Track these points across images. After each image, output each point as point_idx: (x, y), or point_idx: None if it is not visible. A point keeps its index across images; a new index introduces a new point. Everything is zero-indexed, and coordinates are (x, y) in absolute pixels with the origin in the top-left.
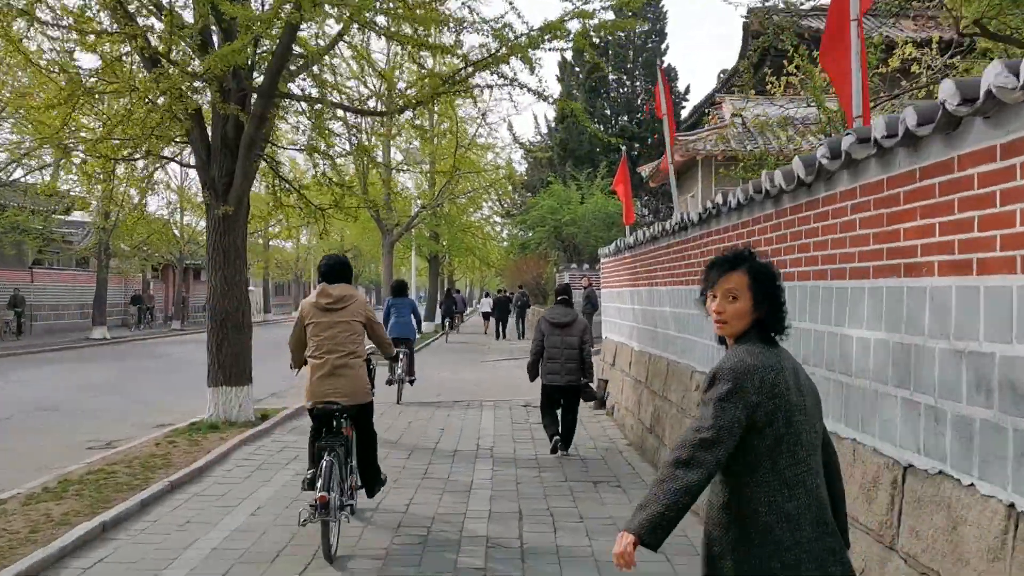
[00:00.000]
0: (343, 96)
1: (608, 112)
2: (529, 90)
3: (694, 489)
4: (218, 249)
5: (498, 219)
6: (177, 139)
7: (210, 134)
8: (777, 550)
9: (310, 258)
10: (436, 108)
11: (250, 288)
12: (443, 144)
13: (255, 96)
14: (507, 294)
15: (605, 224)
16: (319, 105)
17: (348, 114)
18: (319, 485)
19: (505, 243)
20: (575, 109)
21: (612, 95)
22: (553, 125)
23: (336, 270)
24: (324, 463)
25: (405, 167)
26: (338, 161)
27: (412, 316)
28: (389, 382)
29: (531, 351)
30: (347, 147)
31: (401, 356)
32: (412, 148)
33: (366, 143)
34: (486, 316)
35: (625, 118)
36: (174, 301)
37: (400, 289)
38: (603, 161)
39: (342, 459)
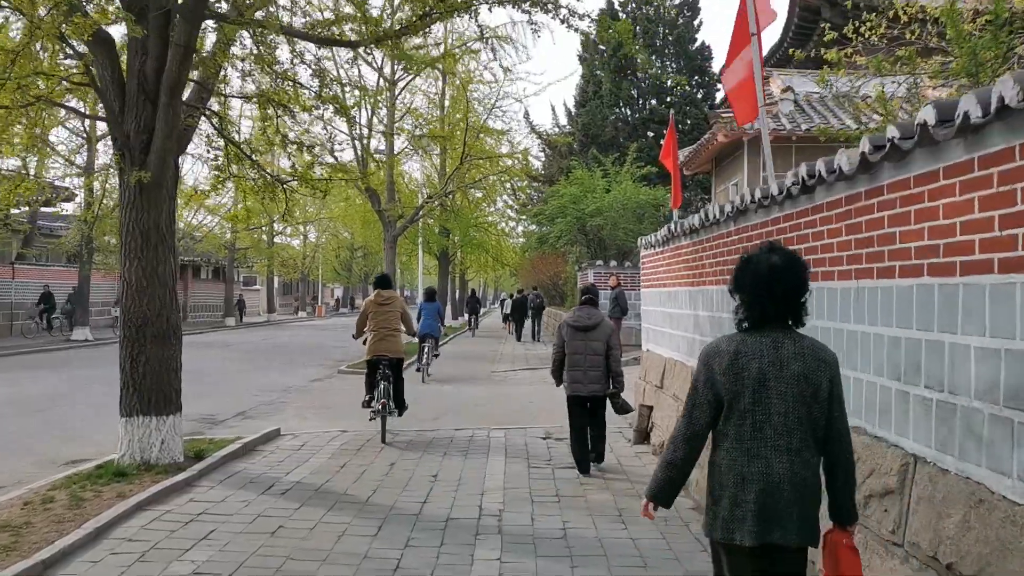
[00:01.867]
0: (300, 19)
1: (635, 94)
2: (554, 7)
3: (675, 459)
4: (134, 231)
5: (512, 213)
6: (73, 79)
7: (125, 76)
8: (730, 504)
9: (318, 256)
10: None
11: (255, 287)
12: (453, 123)
13: (178, 18)
14: (524, 295)
15: (635, 215)
16: (264, 30)
17: (310, 50)
18: (378, 396)
19: (521, 240)
20: (621, 32)
21: (640, 75)
22: (574, 110)
23: (386, 282)
24: (382, 386)
25: (409, 148)
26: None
27: (437, 317)
28: (418, 369)
29: (553, 356)
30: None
31: (426, 347)
32: (419, 133)
33: (340, 94)
34: (507, 319)
35: (653, 101)
36: None
37: (430, 296)
38: (631, 145)
39: (388, 389)
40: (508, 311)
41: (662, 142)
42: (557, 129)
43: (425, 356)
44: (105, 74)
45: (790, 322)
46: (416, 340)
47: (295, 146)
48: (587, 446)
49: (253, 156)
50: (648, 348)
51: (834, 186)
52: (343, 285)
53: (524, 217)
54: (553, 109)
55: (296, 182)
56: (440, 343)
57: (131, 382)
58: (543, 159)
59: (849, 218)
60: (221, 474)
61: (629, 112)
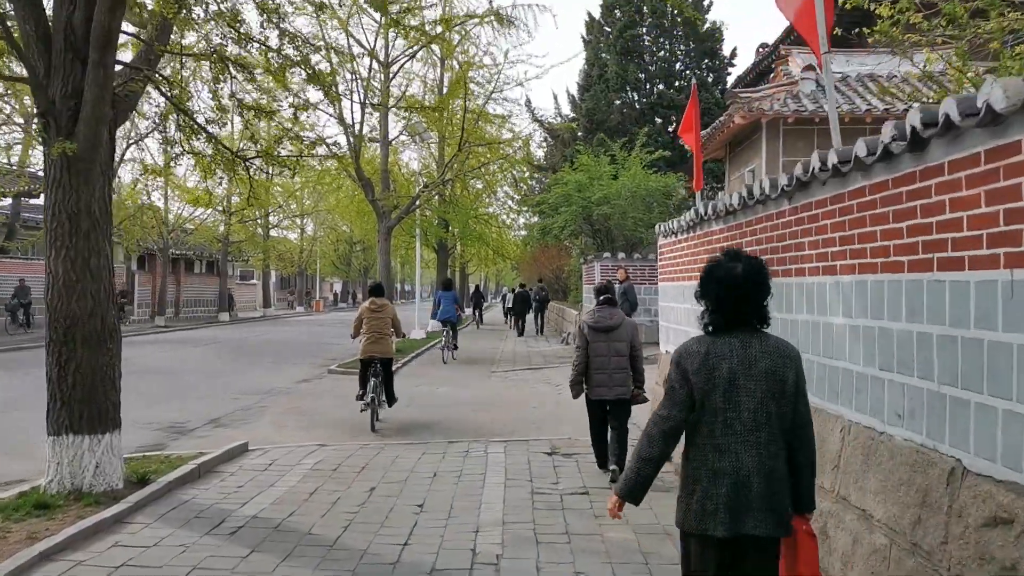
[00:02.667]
0: None
1: (642, 77)
2: None
3: (652, 455)
4: (59, 214)
5: (512, 204)
6: None
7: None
8: (701, 498)
9: (315, 250)
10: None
11: (252, 281)
12: (451, 112)
13: None
14: (526, 289)
15: (644, 204)
16: None
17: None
18: (369, 391)
19: (522, 232)
20: None
21: (648, 58)
22: (577, 95)
23: (379, 291)
24: (372, 382)
25: (405, 136)
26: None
27: (454, 304)
28: (442, 349)
29: (574, 363)
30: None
31: (447, 331)
32: (416, 122)
33: (329, 63)
34: (508, 313)
35: (662, 85)
36: (159, 296)
37: (447, 285)
38: (640, 130)
39: (379, 383)
40: (510, 305)
41: (671, 128)
42: (559, 118)
43: (445, 339)
44: (27, 28)
45: (757, 323)
46: (398, 340)
47: (252, 112)
48: (606, 443)
49: (209, 128)
50: (667, 350)
51: (964, 138)
52: (342, 279)
53: (526, 208)
54: (555, 97)
55: (260, 159)
56: (459, 328)
57: (59, 394)
58: (545, 148)
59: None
60: (165, 505)
61: (636, 96)
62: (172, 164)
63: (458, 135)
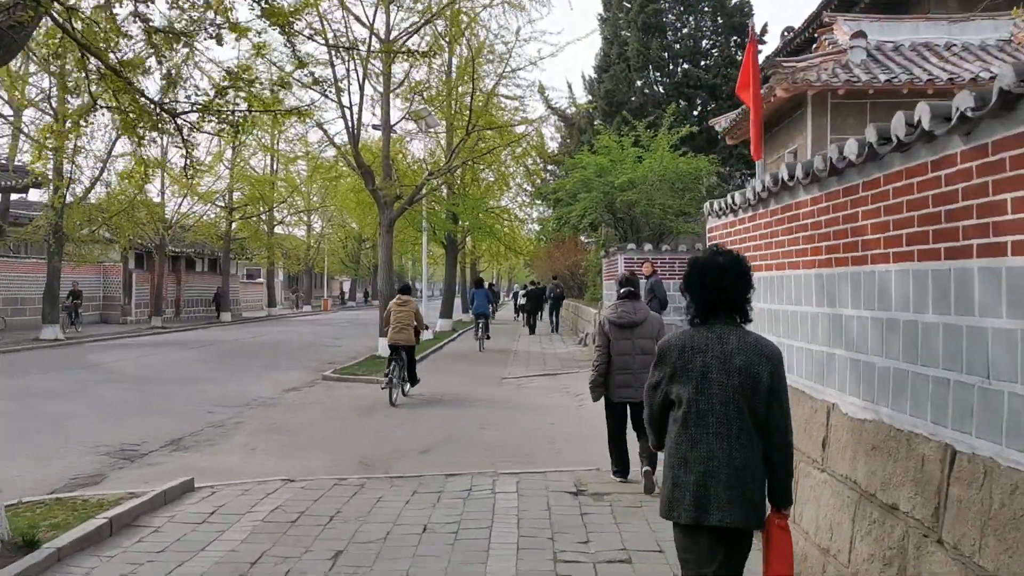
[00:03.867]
0: None
1: (666, 56)
2: None
3: (654, 428)
4: None
5: (525, 196)
6: None
7: None
8: (675, 485)
9: (323, 247)
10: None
11: (259, 280)
12: (459, 97)
13: None
14: (538, 286)
15: (674, 190)
16: None
17: None
18: (391, 373)
19: (536, 227)
20: None
21: (671, 35)
22: (595, 76)
23: (406, 289)
24: (394, 366)
25: (409, 119)
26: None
27: (486, 299)
28: (476, 338)
29: (595, 363)
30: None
31: (480, 323)
32: (421, 107)
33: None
34: (520, 310)
35: (687, 63)
36: (155, 295)
37: (479, 283)
38: (668, 107)
39: (402, 367)
40: (522, 302)
41: (696, 111)
42: (574, 108)
43: (479, 331)
44: None
45: (738, 318)
46: (427, 332)
47: (162, 37)
48: (626, 450)
49: (124, 72)
50: None
51: None
52: (351, 277)
53: (539, 202)
54: (570, 87)
55: (196, 114)
56: (490, 320)
57: None
58: (559, 139)
59: None
60: None
61: (659, 76)
62: (83, 118)
63: (467, 123)
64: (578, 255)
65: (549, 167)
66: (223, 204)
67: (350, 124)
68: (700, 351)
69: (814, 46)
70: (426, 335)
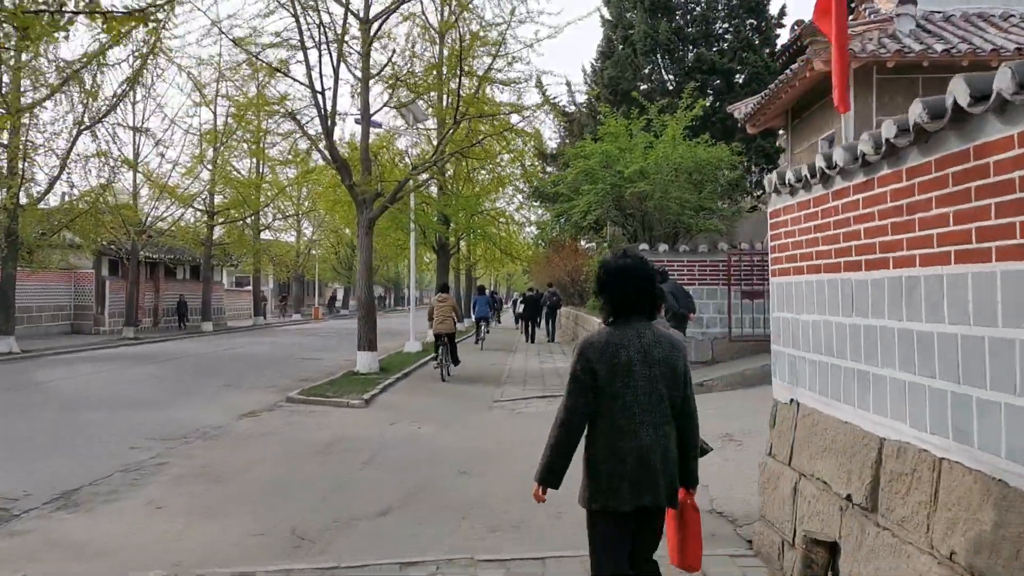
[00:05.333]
0: None
1: (675, 39)
2: None
3: (562, 441)
4: None
5: (522, 198)
6: None
7: None
8: (608, 477)
9: (313, 254)
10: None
11: (247, 288)
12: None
13: None
14: (536, 292)
15: (691, 181)
16: None
17: None
18: (440, 355)
19: (533, 230)
20: None
21: (681, 16)
22: (598, 63)
23: (445, 288)
24: (441, 350)
25: (391, 109)
26: None
27: (487, 305)
28: (476, 341)
29: None
30: None
31: (482, 326)
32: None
33: None
34: (519, 319)
35: (694, 49)
36: (128, 304)
37: (481, 290)
38: (686, 87)
39: (447, 351)
40: (520, 310)
41: (709, 101)
42: (574, 106)
43: (480, 332)
44: None
45: (646, 315)
46: (464, 322)
47: None
48: None
49: None
50: (799, 399)
51: None
52: (344, 284)
53: (536, 203)
54: (568, 84)
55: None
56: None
57: None
58: (557, 138)
59: None
60: None
61: (669, 61)
62: None
63: (455, 111)
64: (578, 260)
65: (548, 169)
66: (203, 208)
67: (323, 111)
68: (623, 346)
69: (851, 16)
70: (411, 346)
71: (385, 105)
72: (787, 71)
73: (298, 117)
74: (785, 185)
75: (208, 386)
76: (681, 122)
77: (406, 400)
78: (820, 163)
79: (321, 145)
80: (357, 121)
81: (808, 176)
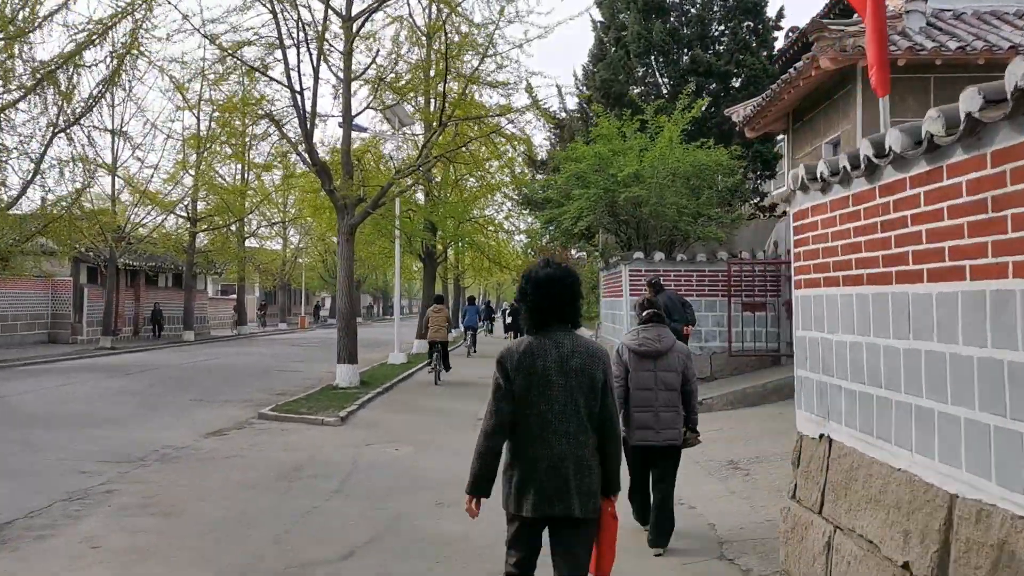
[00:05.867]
0: None
1: (671, 41)
2: None
3: (487, 450)
4: None
5: (511, 206)
6: None
7: None
8: (520, 482)
9: (301, 263)
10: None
11: (232, 296)
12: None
13: None
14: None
15: (688, 187)
16: None
17: None
18: (434, 361)
19: (523, 239)
20: None
21: (676, 17)
22: (590, 65)
23: (440, 299)
24: (435, 355)
25: (375, 112)
26: None
27: (476, 315)
28: (465, 347)
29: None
30: None
31: (467, 335)
32: (394, 104)
33: None
34: (508, 328)
35: (689, 51)
36: (106, 313)
37: (471, 300)
38: (685, 87)
39: (440, 357)
40: (509, 320)
41: (705, 106)
42: (565, 113)
43: (467, 339)
44: None
45: (569, 325)
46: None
47: None
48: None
49: None
50: (832, 435)
51: None
52: (331, 294)
53: (527, 210)
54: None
55: None
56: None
57: None
58: (548, 145)
59: None
60: None
61: (663, 63)
62: None
63: (440, 113)
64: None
65: (539, 176)
66: (185, 215)
67: (302, 112)
68: (540, 356)
69: (854, 15)
70: (395, 357)
71: (368, 107)
72: (791, 70)
73: (278, 119)
74: (816, 180)
75: (178, 401)
76: (679, 123)
77: (385, 417)
78: (867, 151)
79: (301, 148)
80: (341, 125)
81: (848, 168)
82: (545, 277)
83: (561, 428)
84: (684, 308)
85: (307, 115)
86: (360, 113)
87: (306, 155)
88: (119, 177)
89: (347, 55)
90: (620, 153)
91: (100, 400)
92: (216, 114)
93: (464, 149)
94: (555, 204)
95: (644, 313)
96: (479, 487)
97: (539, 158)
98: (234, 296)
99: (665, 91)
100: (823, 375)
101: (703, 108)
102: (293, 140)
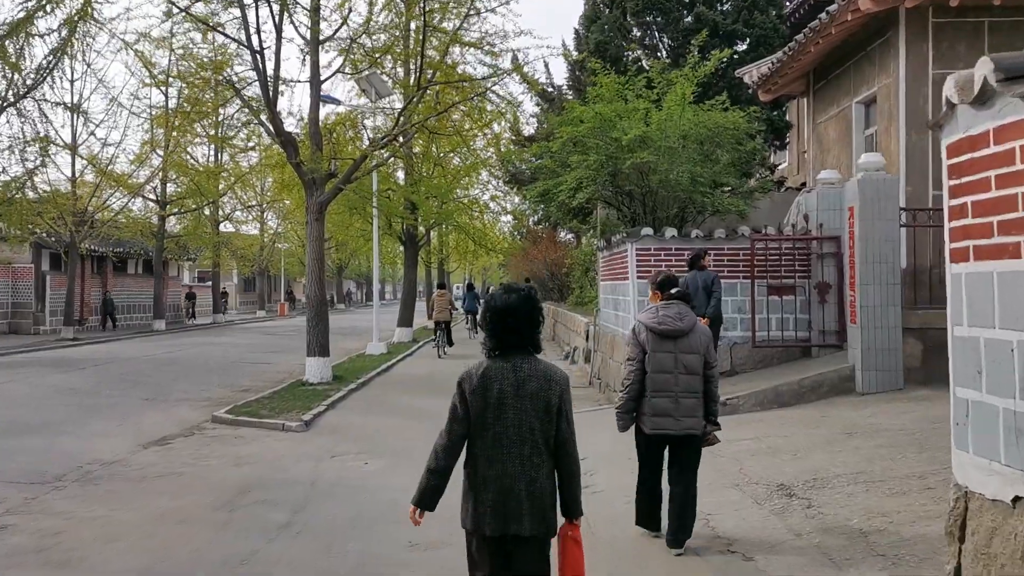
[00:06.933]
0: None
1: None
2: None
3: (437, 467)
4: None
5: (495, 185)
6: None
7: None
8: (475, 502)
9: (279, 248)
10: None
11: (209, 283)
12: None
13: None
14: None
15: (701, 153)
16: None
17: None
18: (438, 339)
19: (510, 219)
20: None
21: None
22: (582, 29)
23: (443, 285)
24: (439, 334)
25: (344, 73)
26: None
27: (476, 300)
28: (468, 329)
29: (625, 381)
30: None
31: (467, 318)
32: (370, 72)
33: None
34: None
35: (693, 8)
36: (68, 301)
37: (470, 287)
38: (698, 35)
39: (445, 335)
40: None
41: (709, 59)
42: (552, 89)
43: (468, 322)
44: None
45: (530, 348)
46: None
47: None
48: (660, 499)
49: None
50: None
51: None
52: None
53: (512, 189)
54: (546, 65)
55: None
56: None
57: None
58: (535, 123)
59: None
60: None
61: (663, 22)
62: None
63: (418, 75)
64: (558, 252)
65: (525, 155)
66: (154, 197)
67: (263, 74)
68: (496, 379)
69: None
70: (374, 347)
71: (339, 71)
72: (822, 14)
73: (239, 86)
74: (1006, 82)
75: (126, 400)
76: (691, 80)
77: (357, 421)
78: None
79: (264, 116)
80: (325, 99)
81: None
82: (503, 305)
83: (515, 450)
84: (707, 293)
85: (269, 79)
86: (330, 77)
87: (269, 124)
88: (81, 157)
89: (314, 11)
90: (624, 116)
91: (35, 401)
92: (185, 90)
93: (448, 121)
94: (549, 173)
95: (665, 290)
96: (424, 501)
97: (526, 134)
98: (190, 284)
99: (665, 54)
100: (1013, 400)
101: (721, 61)
102: (255, 107)
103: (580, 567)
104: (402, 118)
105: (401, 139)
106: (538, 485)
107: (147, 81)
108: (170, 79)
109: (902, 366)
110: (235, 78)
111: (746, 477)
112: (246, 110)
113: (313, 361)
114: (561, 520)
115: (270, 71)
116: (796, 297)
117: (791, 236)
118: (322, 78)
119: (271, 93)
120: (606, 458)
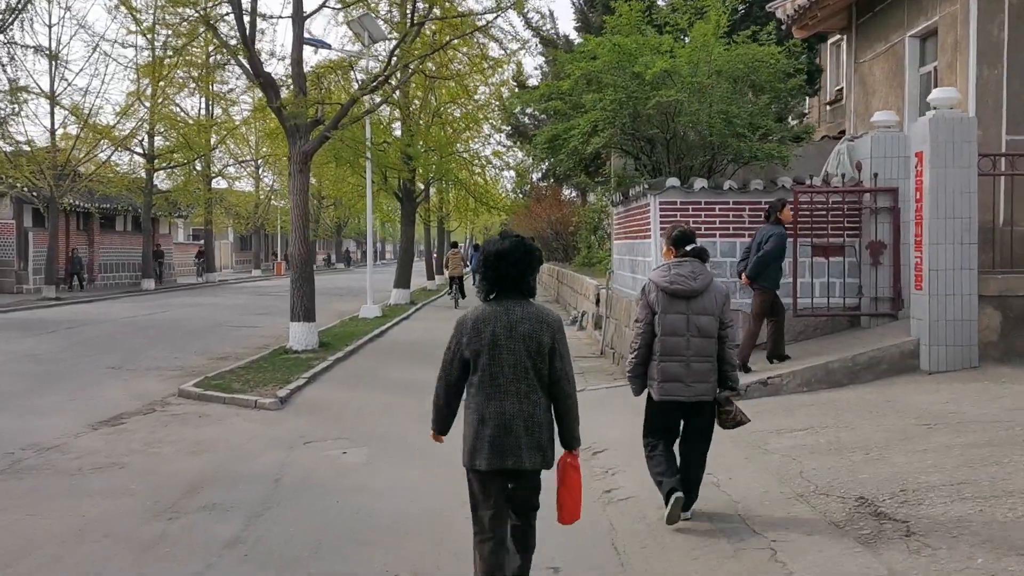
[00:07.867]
0: None
1: None
2: None
3: (443, 404)
4: None
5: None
6: None
7: None
8: (474, 438)
9: (275, 205)
10: None
11: (199, 242)
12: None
13: None
14: None
15: (736, 93)
16: None
17: None
18: (454, 293)
19: (512, 175)
20: None
21: None
22: None
23: (455, 244)
24: (455, 288)
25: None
26: None
27: None
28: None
29: (634, 344)
30: None
31: (475, 277)
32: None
33: None
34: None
35: None
36: (49, 259)
37: (476, 247)
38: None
39: (458, 288)
40: None
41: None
42: (557, 38)
43: (476, 281)
44: None
45: (524, 293)
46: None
47: None
48: (675, 461)
49: None
50: None
51: None
52: (312, 238)
53: (516, 145)
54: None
55: None
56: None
57: None
58: (539, 75)
59: None
60: None
61: None
62: None
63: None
64: (563, 210)
65: (528, 111)
66: (141, 151)
67: (239, 7)
68: (490, 322)
69: None
70: (368, 310)
71: (324, 5)
72: None
73: (212, 21)
74: None
75: (91, 369)
76: (724, 6)
77: (340, 396)
78: None
79: (241, 56)
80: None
81: None
82: (496, 251)
83: (512, 388)
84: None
85: (246, 12)
86: (315, 12)
87: (247, 64)
88: (61, 107)
89: None
90: (644, 51)
91: None
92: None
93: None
94: (560, 115)
95: (680, 247)
96: (439, 427)
97: (529, 85)
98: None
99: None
100: None
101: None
102: (232, 46)
103: (578, 490)
104: (395, 57)
105: (393, 81)
106: (535, 420)
107: (131, 29)
108: (156, 26)
109: (977, 340)
110: (210, 12)
111: (811, 485)
112: (218, 46)
113: (297, 327)
114: (560, 450)
115: (247, 3)
116: (844, 259)
117: (840, 188)
118: (306, 12)
119: (248, 30)
120: (628, 449)
